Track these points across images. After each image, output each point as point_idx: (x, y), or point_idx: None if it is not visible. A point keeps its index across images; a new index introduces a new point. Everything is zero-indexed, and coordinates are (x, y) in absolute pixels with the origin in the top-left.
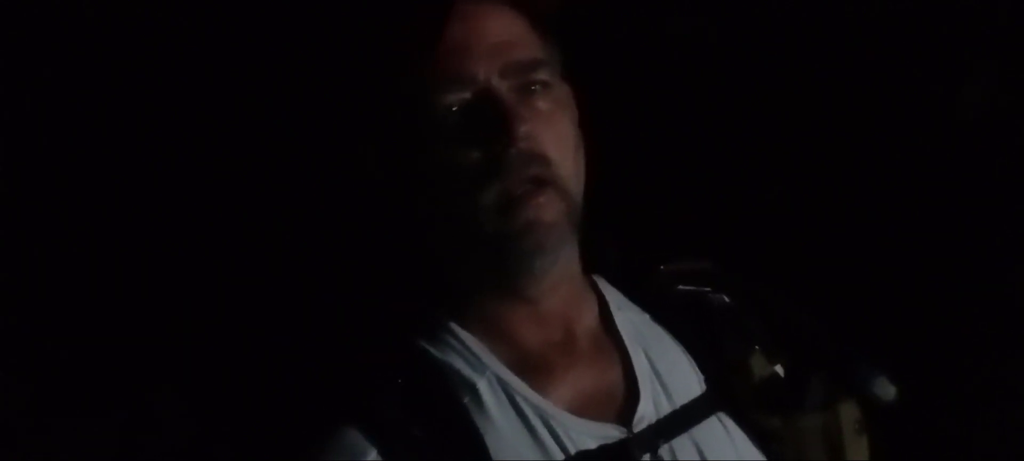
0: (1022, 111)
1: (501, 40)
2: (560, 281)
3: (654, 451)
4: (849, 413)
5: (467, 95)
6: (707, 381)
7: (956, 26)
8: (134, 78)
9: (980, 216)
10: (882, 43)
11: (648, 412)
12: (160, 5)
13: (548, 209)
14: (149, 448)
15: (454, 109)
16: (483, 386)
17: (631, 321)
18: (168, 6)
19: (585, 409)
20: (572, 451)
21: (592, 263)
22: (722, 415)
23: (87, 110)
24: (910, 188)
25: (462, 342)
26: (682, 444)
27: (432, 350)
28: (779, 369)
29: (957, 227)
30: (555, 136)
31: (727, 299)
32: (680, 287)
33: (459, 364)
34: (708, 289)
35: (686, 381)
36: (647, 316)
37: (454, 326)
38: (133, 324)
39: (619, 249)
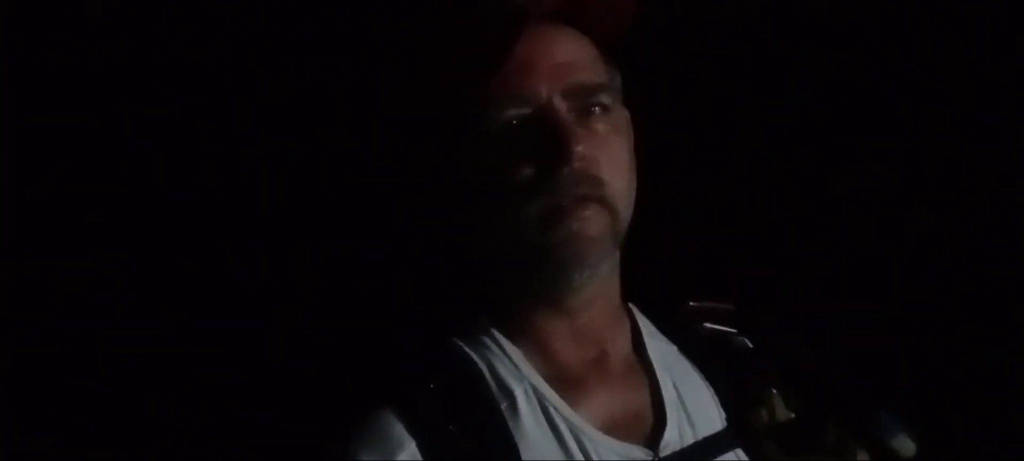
0: None
1: (566, 61)
2: (597, 297)
3: None
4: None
5: (528, 111)
6: (728, 417)
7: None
8: (195, 100)
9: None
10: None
11: (673, 439)
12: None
13: (593, 223)
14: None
15: (513, 123)
16: (520, 395)
17: (661, 350)
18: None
19: (614, 429)
20: None
21: (627, 291)
22: (740, 452)
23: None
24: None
25: (503, 350)
26: None
27: (473, 354)
28: (796, 412)
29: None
30: (610, 159)
31: (750, 342)
32: (706, 325)
33: (500, 371)
34: (733, 331)
35: (709, 414)
36: (675, 348)
37: (496, 333)
38: (166, 324)
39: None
